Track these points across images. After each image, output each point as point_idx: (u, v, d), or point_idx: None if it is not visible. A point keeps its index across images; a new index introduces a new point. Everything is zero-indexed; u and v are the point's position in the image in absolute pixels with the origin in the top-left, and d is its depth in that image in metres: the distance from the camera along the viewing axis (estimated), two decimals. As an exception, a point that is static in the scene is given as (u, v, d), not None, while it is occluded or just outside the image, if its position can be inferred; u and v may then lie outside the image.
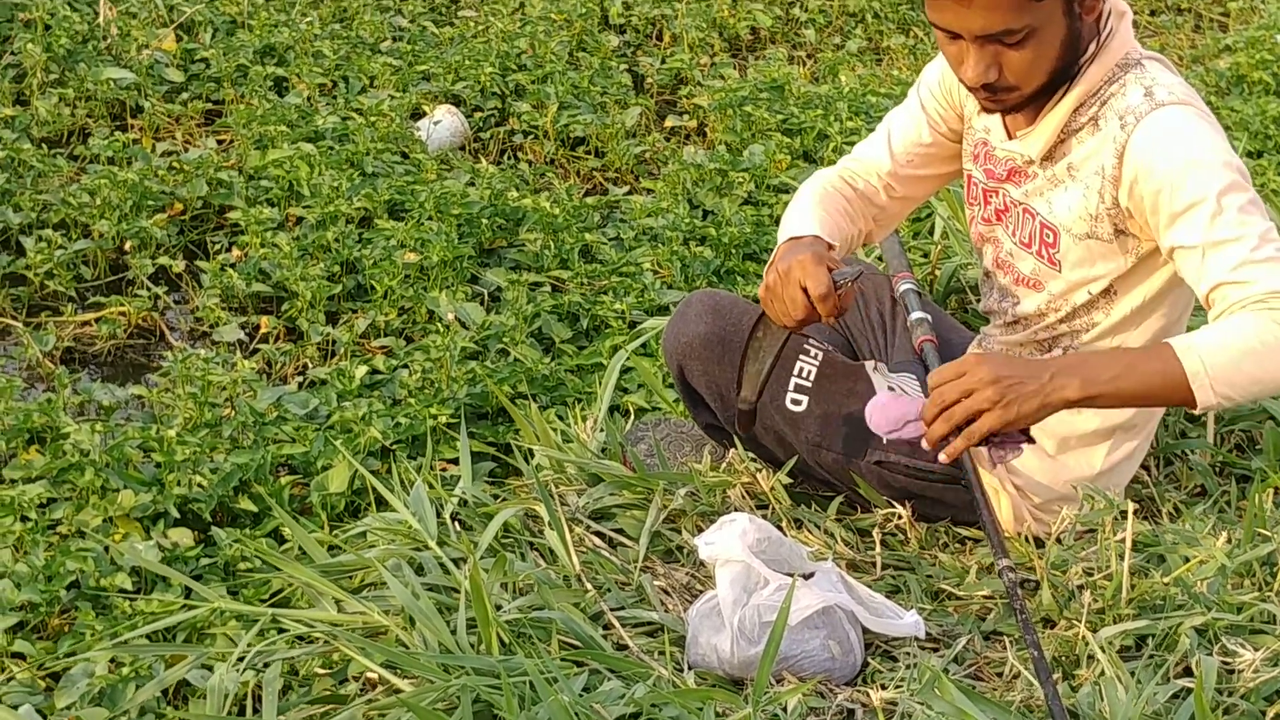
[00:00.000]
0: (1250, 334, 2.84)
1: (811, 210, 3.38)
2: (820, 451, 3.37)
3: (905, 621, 2.94)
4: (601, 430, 3.68)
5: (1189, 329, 3.12)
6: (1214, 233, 2.92)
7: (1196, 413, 2.98)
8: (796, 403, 3.38)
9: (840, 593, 2.92)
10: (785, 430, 3.38)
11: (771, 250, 4.84)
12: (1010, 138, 3.24)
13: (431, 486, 3.40)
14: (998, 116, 3.25)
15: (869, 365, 3.45)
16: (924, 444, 2.98)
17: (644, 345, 4.29)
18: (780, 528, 3.27)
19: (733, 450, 3.46)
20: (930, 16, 3.03)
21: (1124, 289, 3.19)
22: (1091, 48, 3.10)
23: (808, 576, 2.94)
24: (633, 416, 4.03)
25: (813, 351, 3.43)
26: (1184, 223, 2.96)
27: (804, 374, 3.39)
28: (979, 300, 3.67)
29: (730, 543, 2.92)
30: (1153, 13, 8.47)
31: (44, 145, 5.44)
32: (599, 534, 3.28)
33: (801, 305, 3.09)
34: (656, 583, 3.13)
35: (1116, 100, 3.08)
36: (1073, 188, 3.14)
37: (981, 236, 3.44)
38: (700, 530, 3.25)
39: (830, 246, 3.25)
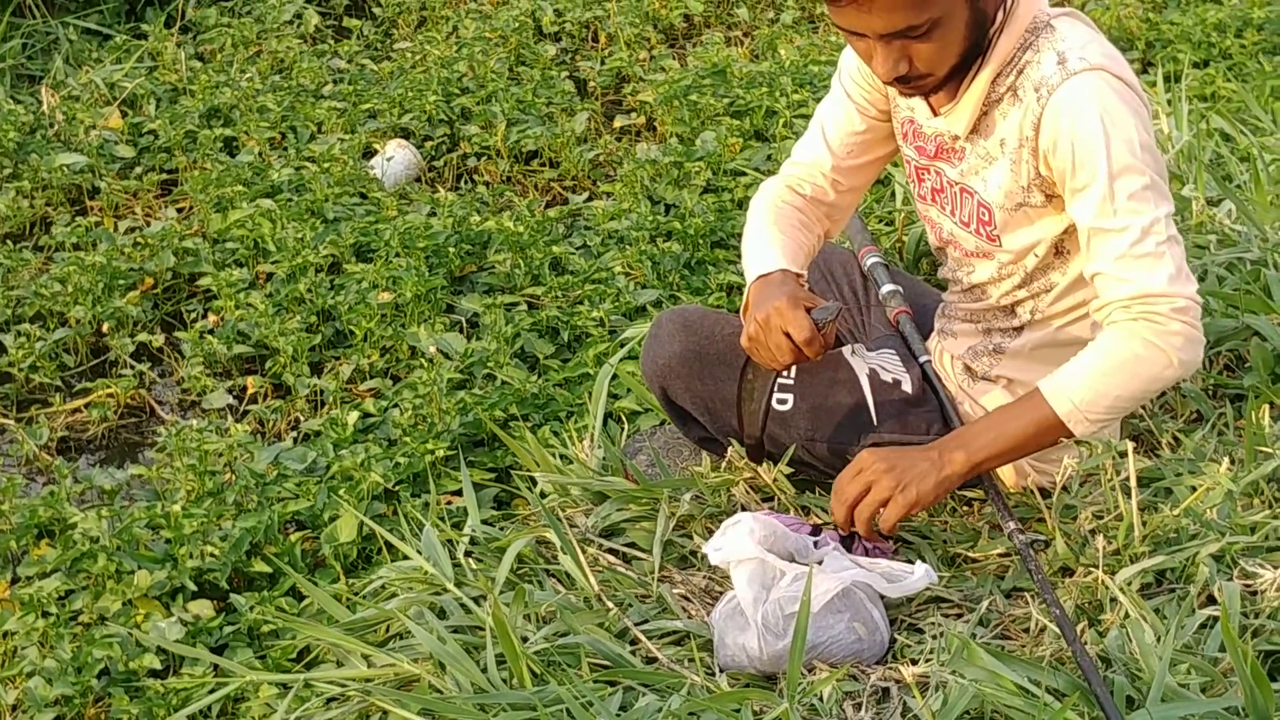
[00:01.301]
0: (1113, 356, 2.98)
1: (770, 236, 3.41)
2: (814, 444, 3.40)
3: (916, 576, 2.97)
4: (599, 447, 3.70)
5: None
6: (1101, 218, 3.00)
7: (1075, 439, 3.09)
8: (782, 402, 3.41)
9: (852, 568, 2.95)
10: (778, 431, 3.41)
11: (738, 234, 4.90)
12: (935, 114, 3.26)
13: (440, 526, 3.42)
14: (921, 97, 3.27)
15: (846, 350, 3.48)
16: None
17: (628, 352, 4.30)
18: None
19: (730, 449, 3.48)
20: (833, 19, 3.04)
21: (1073, 246, 3.22)
22: (999, 16, 3.11)
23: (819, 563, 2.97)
24: (625, 424, 4.05)
25: None
26: (1080, 201, 3.03)
27: (786, 373, 3.42)
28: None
29: (740, 542, 2.95)
30: (1078, -60, 8.49)
31: (8, 240, 5.44)
32: (612, 551, 3.31)
33: (788, 350, 3.16)
34: (676, 591, 3.15)
35: (1031, 69, 3.09)
36: (1001, 162, 3.17)
37: (923, 215, 3.47)
38: (711, 532, 3.28)
39: (799, 276, 3.28)
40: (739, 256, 4.86)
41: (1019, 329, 3.34)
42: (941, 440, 3.09)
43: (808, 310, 3.14)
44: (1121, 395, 2.99)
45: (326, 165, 5.71)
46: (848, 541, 3.14)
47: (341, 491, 3.90)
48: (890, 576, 2.98)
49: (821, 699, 2.77)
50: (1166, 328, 2.94)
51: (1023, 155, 3.12)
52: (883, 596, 2.99)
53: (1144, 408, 3.69)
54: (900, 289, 3.63)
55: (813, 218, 3.52)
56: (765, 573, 2.93)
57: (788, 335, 3.13)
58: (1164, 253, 2.95)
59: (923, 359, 3.46)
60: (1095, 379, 2.99)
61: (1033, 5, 3.12)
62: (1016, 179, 3.15)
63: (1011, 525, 2.99)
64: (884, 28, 2.98)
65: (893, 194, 5.05)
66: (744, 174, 5.62)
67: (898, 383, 3.42)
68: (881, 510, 3.04)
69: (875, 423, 3.37)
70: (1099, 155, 2.97)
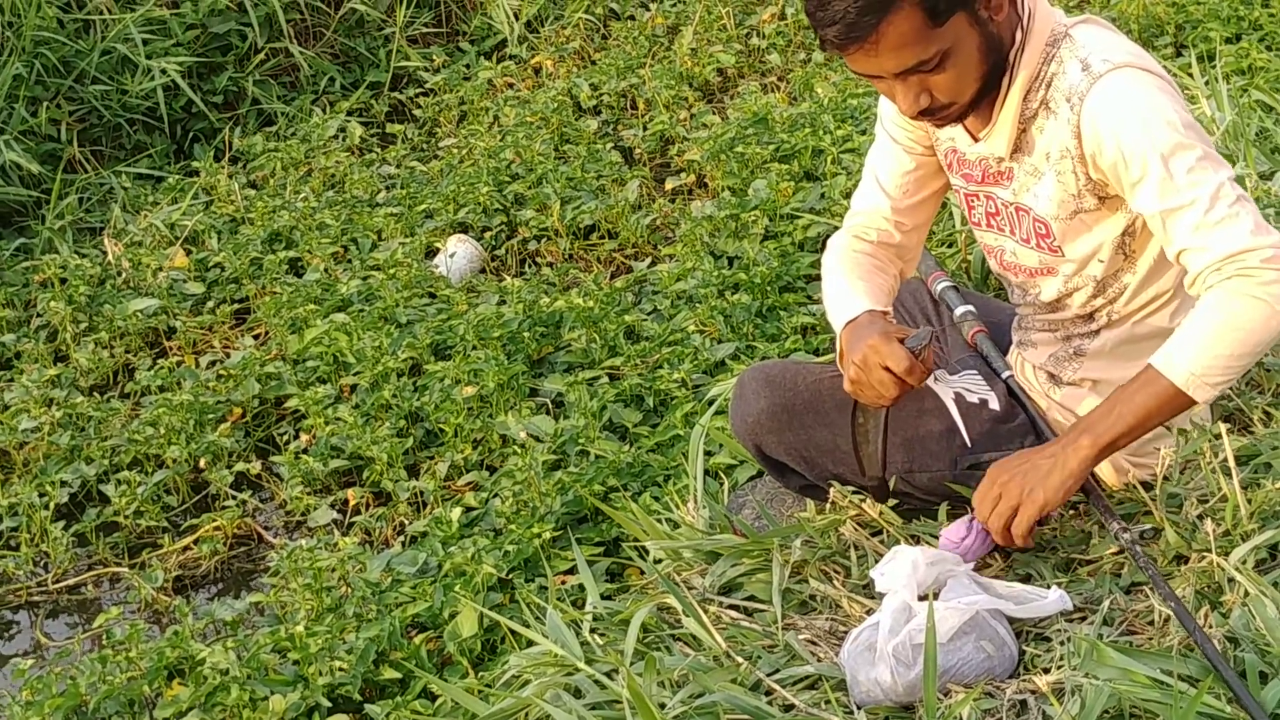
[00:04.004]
0: (1216, 317, 2.94)
1: (849, 284, 3.45)
2: (914, 475, 3.44)
3: (1050, 599, 2.99)
4: (704, 507, 3.74)
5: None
6: (1167, 199, 2.99)
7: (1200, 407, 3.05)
8: None
9: (978, 594, 2.98)
10: (874, 470, 3.45)
11: (804, 276, 4.94)
12: (976, 141, 3.30)
13: (561, 607, 3.46)
14: (960, 125, 3.31)
15: (929, 380, 3.51)
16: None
17: (716, 409, 4.33)
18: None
19: (833, 490, 3.52)
20: (850, 68, 3.09)
21: (1139, 245, 3.24)
22: (1018, 36, 3.14)
23: (936, 596, 2.99)
24: (724, 479, 4.09)
25: None
26: (1141, 192, 3.03)
27: None
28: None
29: (897, 575, 3.00)
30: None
31: (94, 393, 5.54)
32: (733, 607, 3.33)
33: (892, 384, 3.19)
34: (801, 637, 3.17)
35: (1059, 80, 3.12)
36: (1048, 175, 3.19)
37: (980, 241, 3.51)
38: (827, 575, 3.32)
39: (885, 313, 3.32)
40: (809, 299, 4.93)
41: (1096, 331, 3.37)
42: (1064, 434, 3.09)
43: (901, 341, 3.18)
44: (1234, 354, 2.94)
45: (392, 271, 5.79)
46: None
47: (457, 588, 3.95)
48: (1019, 600, 3.00)
49: (962, 719, 2.79)
50: (1261, 278, 2.91)
51: (1068, 165, 3.14)
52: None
53: (1231, 388, 3.71)
54: (973, 309, 3.66)
55: (885, 259, 3.55)
56: (908, 610, 2.96)
57: (888, 369, 3.17)
58: (1238, 212, 2.95)
59: (1005, 374, 3.49)
60: (1205, 343, 2.95)
61: (1049, 19, 3.16)
62: (1065, 188, 3.17)
63: (1115, 525, 3.01)
64: (896, 67, 3.02)
65: (950, 215, 5.08)
66: (800, 216, 5.66)
67: (985, 402, 3.45)
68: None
69: (969, 445, 3.41)
70: (1146, 144, 2.99)
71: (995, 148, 3.24)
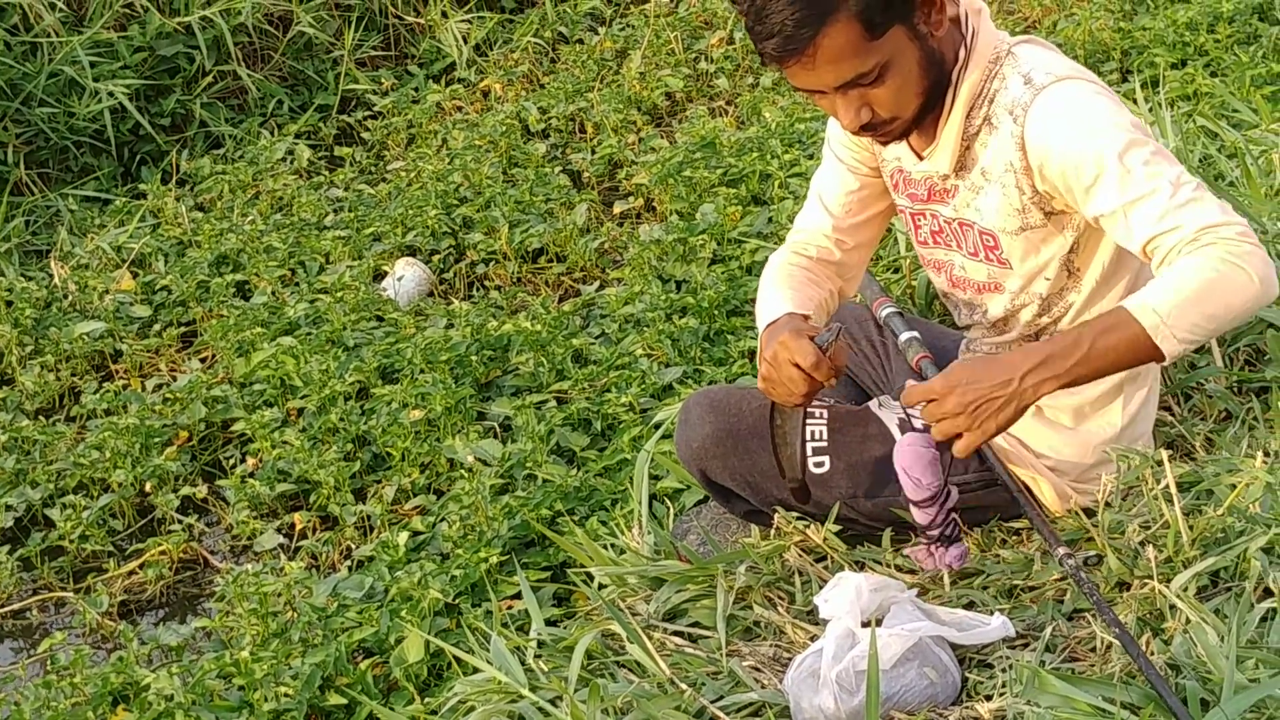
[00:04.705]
0: (1194, 274, 2.88)
1: (777, 291, 3.46)
2: (858, 500, 3.45)
3: (993, 626, 3.00)
4: (649, 532, 3.75)
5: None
6: (1128, 192, 2.97)
7: (1165, 363, 3.00)
8: (819, 465, 3.46)
9: (921, 621, 2.99)
10: (819, 494, 3.46)
11: (751, 300, 4.95)
12: (920, 159, 3.32)
13: (505, 634, 3.46)
14: (904, 144, 3.32)
15: (873, 404, 3.53)
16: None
17: (663, 433, 4.34)
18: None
19: (778, 516, 3.53)
20: (791, 83, 3.10)
21: (1083, 263, 3.26)
22: (961, 54, 3.16)
23: (879, 622, 3.00)
24: (670, 504, 4.10)
25: (817, 412, 3.50)
26: (1097, 193, 3.02)
27: (816, 435, 3.47)
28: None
29: (841, 601, 3.01)
30: (1040, -41, 8.56)
31: (39, 416, 5.52)
32: (677, 633, 3.35)
33: (801, 380, 3.17)
34: (745, 663, 3.19)
35: (1001, 95, 3.14)
36: (991, 190, 3.20)
37: (927, 260, 3.52)
38: (771, 601, 3.33)
39: (805, 317, 3.32)
40: (755, 322, 4.93)
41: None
42: (1021, 359, 2.97)
43: (811, 338, 3.18)
44: (1207, 313, 2.89)
45: (340, 294, 5.78)
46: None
47: (403, 613, 3.94)
48: (962, 626, 3.01)
49: (904, 747, 2.81)
50: (1238, 248, 2.88)
51: (1011, 179, 3.15)
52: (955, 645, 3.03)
53: (1173, 413, 3.74)
54: (918, 335, 3.68)
55: (821, 275, 3.56)
56: (852, 637, 2.97)
57: (797, 366, 3.17)
58: (1201, 196, 2.94)
59: (1052, 335, 3.49)
60: (1181, 296, 2.88)
61: (992, 38, 3.17)
62: (1009, 201, 3.19)
63: (1060, 550, 3.03)
64: (835, 80, 3.03)
65: (895, 240, 5.10)
66: (747, 241, 5.68)
67: (928, 427, 3.47)
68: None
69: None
70: (1097, 146, 2.99)
71: (939, 165, 3.25)
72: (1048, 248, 3.25)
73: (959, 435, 2.99)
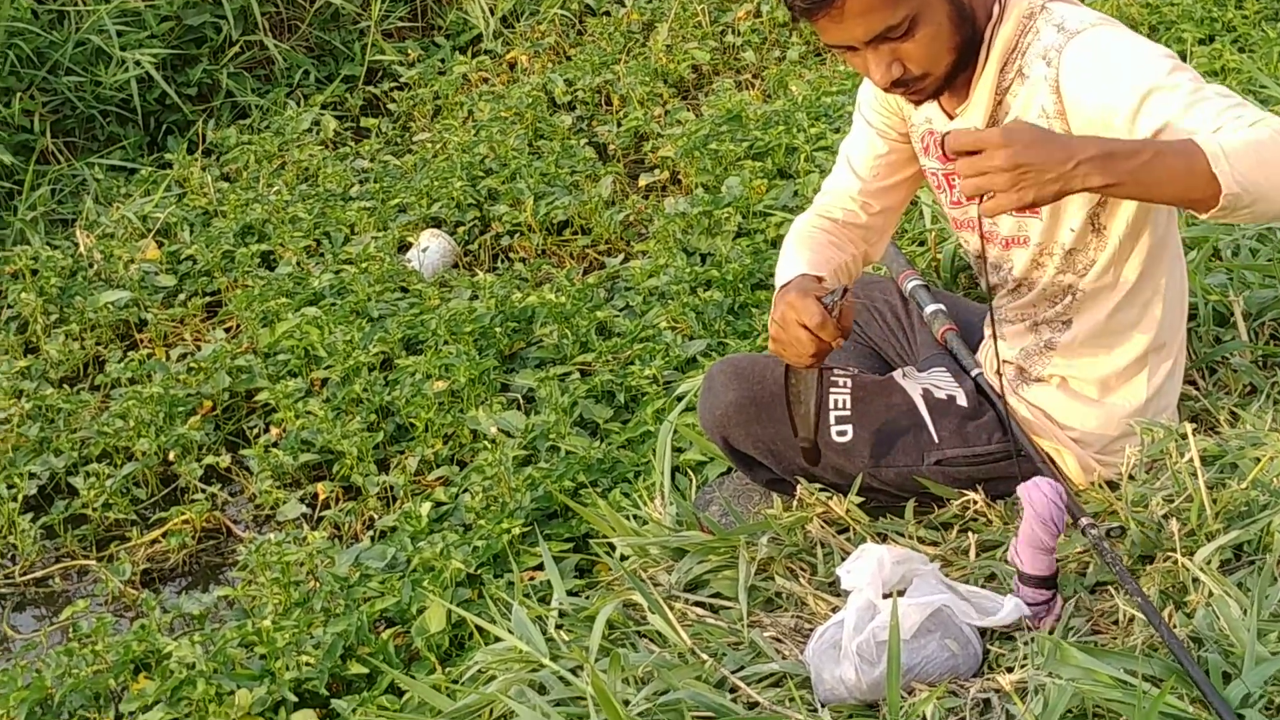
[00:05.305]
0: (1263, 135, 2.77)
1: (795, 253, 3.45)
2: (880, 470, 3.44)
3: (1006, 609, 2.98)
4: (671, 504, 3.74)
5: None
6: (1186, 97, 2.87)
7: (1215, 210, 2.79)
8: (842, 434, 3.45)
9: (943, 593, 2.98)
10: (841, 462, 3.45)
11: (774, 275, 4.94)
12: (952, 119, 3.30)
13: (527, 603, 3.46)
14: (935, 105, 3.31)
15: (897, 374, 3.52)
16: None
17: (685, 405, 4.33)
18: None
19: (800, 487, 3.52)
20: (822, 41, 3.10)
21: (1108, 219, 3.23)
22: (995, 10, 3.15)
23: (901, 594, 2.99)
24: (693, 476, 4.09)
25: (840, 380, 3.49)
26: (1151, 106, 2.91)
27: (839, 404, 3.46)
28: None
29: (863, 572, 3.00)
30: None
31: (64, 385, 5.52)
32: (698, 604, 3.34)
33: (808, 341, 3.15)
34: (766, 634, 3.18)
35: (1034, 45, 3.12)
36: None
37: (958, 222, 3.50)
38: (793, 572, 3.32)
39: (819, 279, 3.30)
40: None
41: (1068, 322, 3.36)
42: (1084, 145, 2.77)
43: (819, 299, 3.16)
44: (1266, 160, 2.75)
45: (364, 265, 5.78)
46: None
47: (425, 583, 3.95)
48: (981, 607, 3.00)
49: (925, 717, 2.80)
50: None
51: (1044, 124, 3.10)
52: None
53: (1198, 387, 3.72)
54: (943, 307, 3.67)
55: (844, 238, 3.55)
56: (872, 609, 2.96)
57: (805, 326, 3.16)
58: (1244, 102, 2.85)
59: (974, 372, 3.50)
60: (1246, 143, 2.75)
61: None
62: None
63: (1084, 521, 3.02)
64: (864, 34, 3.02)
65: (921, 214, 5.09)
66: (773, 214, 5.67)
67: (952, 398, 3.46)
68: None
69: (936, 440, 3.41)
70: (1139, 71, 2.93)
71: (972, 120, 3.23)
72: (1077, 196, 3.20)
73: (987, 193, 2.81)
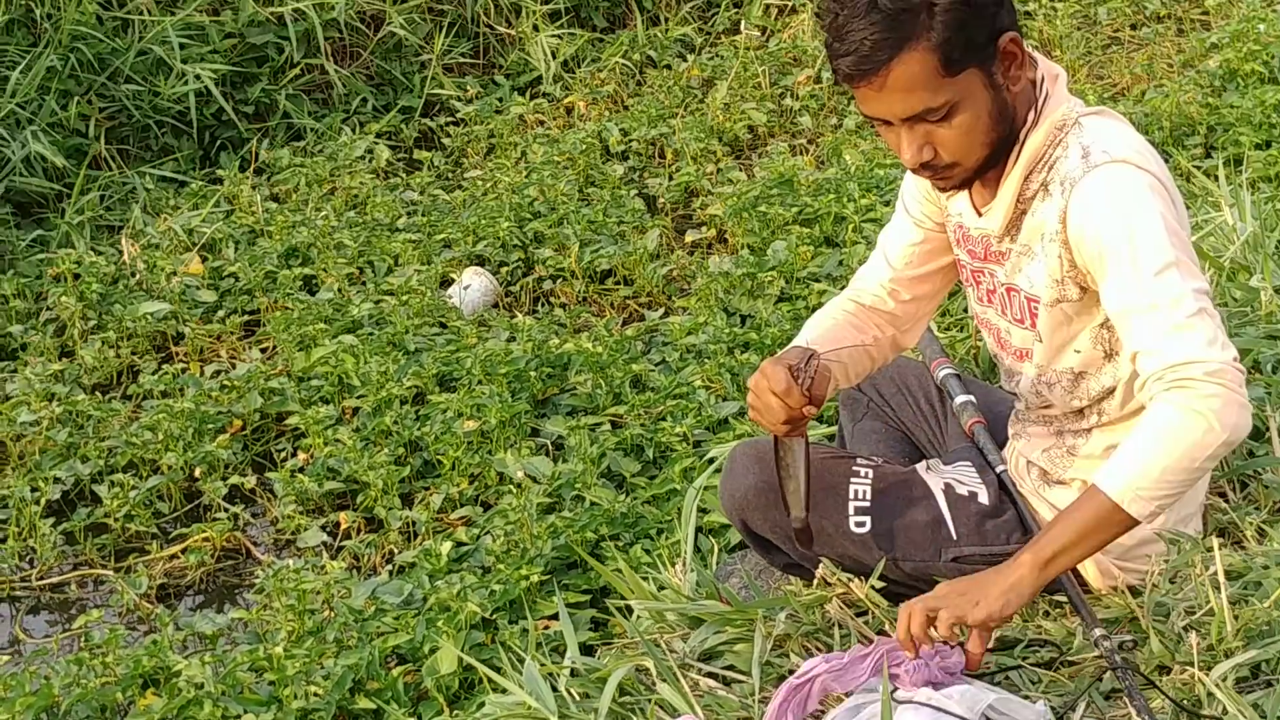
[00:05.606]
0: (1154, 434, 2.90)
1: (807, 329, 3.48)
2: (898, 563, 3.43)
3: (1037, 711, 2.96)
4: (691, 570, 3.74)
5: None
6: (1130, 298, 2.96)
7: (1145, 523, 2.99)
8: (861, 525, 3.43)
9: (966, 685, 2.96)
10: (859, 554, 3.42)
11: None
12: (980, 215, 3.30)
13: (540, 659, 3.45)
14: (967, 199, 3.30)
15: (920, 468, 3.50)
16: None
17: (716, 468, 4.32)
18: (885, 630, 3.32)
19: (821, 566, 3.51)
20: (860, 110, 3.10)
21: (1118, 345, 3.23)
22: (1030, 115, 3.15)
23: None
24: (715, 539, 4.08)
25: (863, 471, 3.48)
26: (1108, 286, 3.01)
27: (860, 495, 3.44)
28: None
29: None
30: (1134, 26, 8.54)
31: (96, 392, 5.55)
32: (711, 674, 3.34)
33: (779, 408, 3.15)
34: (777, 711, 3.17)
35: (1060, 164, 3.11)
36: (1039, 257, 3.18)
37: (981, 319, 3.50)
38: (809, 651, 3.32)
39: (813, 354, 3.28)
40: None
41: (1089, 430, 3.36)
42: (1008, 569, 2.99)
43: (789, 366, 3.16)
44: (1169, 467, 2.89)
45: (405, 298, 5.80)
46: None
47: (440, 623, 3.95)
48: (1007, 704, 2.97)
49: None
50: (1200, 391, 2.86)
51: (1054, 249, 3.12)
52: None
53: (1227, 499, 3.71)
54: (973, 399, 3.66)
55: (866, 321, 3.55)
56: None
57: (774, 393, 3.16)
58: (1195, 324, 2.91)
59: (999, 469, 3.49)
60: (1142, 458, 2.90)
61: (1065, 104, 3.16)
62: (1050, 271, 3.16)
63: (1097, 632, 3.01)
64: (903, 110, 3.02)
65: (963, 298, 5.08)
66: (817, 281, 5.68)
67: (974, 495, 3.44)
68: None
69: (955, 537, 3.40)
70: (1122, 240, 2.97)
71: (991, 223, 3.24)
72: (1078, 320, 3.21)
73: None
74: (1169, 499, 2.94)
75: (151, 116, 7.34)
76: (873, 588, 3.42)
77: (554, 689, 3.29)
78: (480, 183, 7.11)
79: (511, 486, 4.63)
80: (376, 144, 7.53)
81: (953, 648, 3.02)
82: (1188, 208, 4.48)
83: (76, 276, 6.06)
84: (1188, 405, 2.87)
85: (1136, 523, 2.95)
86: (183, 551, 4.74)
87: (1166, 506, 2.98)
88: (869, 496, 3.45)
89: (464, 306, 5.93)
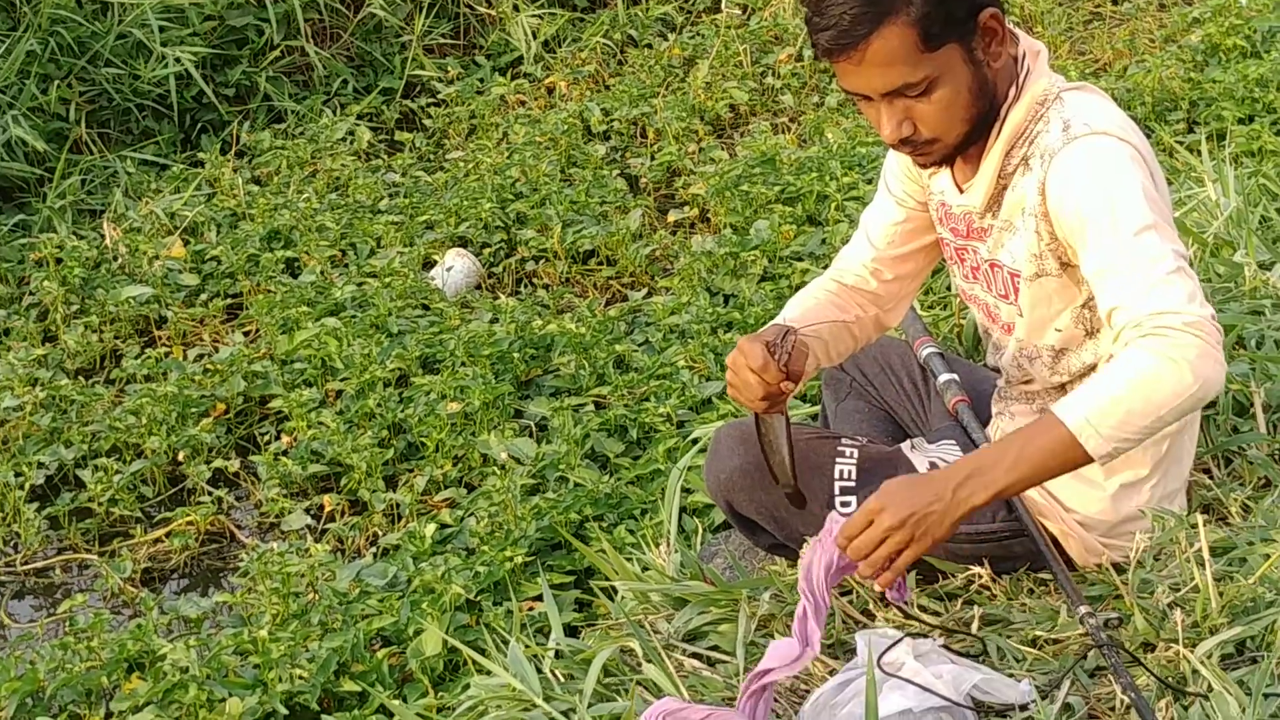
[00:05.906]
0: (1124, 372, 2.84)
1: (787, 309, 3.48)
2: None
3: (1021, 690, 2.96)
4: (676, 551, 3.73)
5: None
6: (1108, 258, 2.94)
7: (1098, 463, 2.91)
8: (846, 505, 3.43)
9: (946, 664, 2.96)
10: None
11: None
12: (961, 193, 3.30)
13: (524, 640, 3.45)
14: (949, 176, 3.30)
15: (905, 446, 3.50)
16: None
17: (700, 448, 4.31)
18: (869, 610, 3.32)
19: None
20: (840, 85, 3.09)
21: (1099, 323, 3.22)
22: (1011, 91, 3.15)
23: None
24: (699, 519, 4.08)
25: (848, 451, 3.48)
26: (1088, 251, 2.99)
27: (845, 475, 3.44)
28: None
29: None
30: (1115, 1, 8.53)
31: (79, 376, 5.54)
32: (696, 655, 3.34)
33: (756, 384, 3.15)
34: (762, 691, 3.17)
35: (1041, 138, 3.11)
36: (1020, 231, 3.17)
37: (966, 294, 3.50)
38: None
39: (790, 330, 3.28)
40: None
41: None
42: (953, 472, 2.94)
43: (766, 343, 3.17)
44: (1134, 410, 2.84)
45: (388, 279, 5.80)
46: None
47: (424, 605, 3.95)
48: (990, 683, 2.96)
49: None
50: (1178, 340, 2.82)
51: (1032, 223, 3.12)
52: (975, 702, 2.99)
53: (1212, 476, 3.71)
54: (957, 377, 3.65)
55: (848, 300, 3.54)
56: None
57: (751, 369, 3.16)
58: (1174, 280, 2.88)
59: (983, 446, 3.48)
60: (1107, 393, 2.85)
61: (1046, 79, 3.16)
62: (1029, 246, 3.16)
63: (1082, 609, 3.00)
64: (882, 85, 3.01)
65: (945, 275, 5.08)
66: (800, 260, 5.67)
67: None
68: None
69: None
70: (1103, 210, 2.96)
71: (973, 199, 3.23)
72: (1059, 299, 3.21)
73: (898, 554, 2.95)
74: (1126, 444, 2.88)
75: (132, 100, 7.32)
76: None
77: (539, 670, 3.28)
78: (462, 164, 7.10)
79: (495, 468, 4.64)
80: (358, 126, 7.52)
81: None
82: (1170, 183, 4.49)
83: (59, 261, 6.05)
84: (1163, 352, 2.82)
85: (1088, 461, 2.89)
86: (167, 535, 4.74)
87: (1122, 452, 2.91)
88: (854, 476, 3.44)
89: (447, 288, 5.92)
